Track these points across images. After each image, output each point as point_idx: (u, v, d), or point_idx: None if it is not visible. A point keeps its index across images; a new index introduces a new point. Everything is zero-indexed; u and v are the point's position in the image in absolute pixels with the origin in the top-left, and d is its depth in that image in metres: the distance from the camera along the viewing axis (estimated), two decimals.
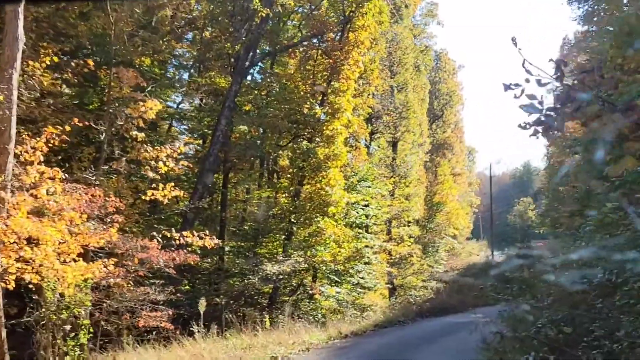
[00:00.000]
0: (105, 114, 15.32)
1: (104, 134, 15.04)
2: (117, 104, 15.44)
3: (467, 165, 66.14)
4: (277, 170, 26.10)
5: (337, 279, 24.21)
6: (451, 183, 48.44)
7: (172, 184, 14.76)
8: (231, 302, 18.94)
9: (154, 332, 13.60)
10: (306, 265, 20.70)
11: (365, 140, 28.85)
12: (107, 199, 13.08)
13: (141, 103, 14.44)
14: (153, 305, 13.77)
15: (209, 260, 23.08)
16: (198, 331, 13.82)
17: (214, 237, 23.06)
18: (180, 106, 24.97)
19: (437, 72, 49.80)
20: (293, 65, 24.32)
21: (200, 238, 14.45)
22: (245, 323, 16.61)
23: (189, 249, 14.93)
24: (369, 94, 26.81)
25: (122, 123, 14.80)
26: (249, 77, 23.64)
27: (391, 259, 30.58)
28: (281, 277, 19.49)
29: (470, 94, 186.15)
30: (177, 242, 14.12)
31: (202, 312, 14.84)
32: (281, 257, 19.92)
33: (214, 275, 21.29)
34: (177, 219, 21.36)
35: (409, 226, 34.29)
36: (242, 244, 22.99)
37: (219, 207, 23.55)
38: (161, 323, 13.25)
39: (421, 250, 36.65)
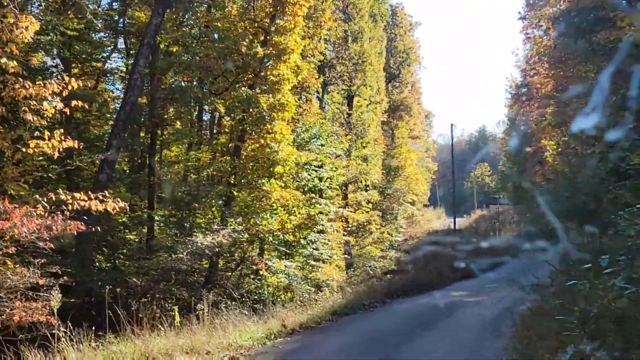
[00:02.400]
0: None
1: None
2: None
3: (425, 129, 63.49)
4: (218, 126, 22.62)
5: (287, 251, 20.96)
6: (409, 146, 45.66)
7: (62, 131, 11.08)
8: (153, 284, 15.32)
9: (30, 331, 9.85)
10: (248, 236, 17.27)
11: (318, 93, 25.36)
12: None
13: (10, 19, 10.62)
14: (33, 292, 10.12)
15: (136, 232, 19.85)
16: (69, 333, 9.71)
17: (140, 203, 20.17)
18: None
19: (393, 28, 46.72)
20: None
21: (101, 201, 10.87)
22: (165, 315, 12.17)
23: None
24: (320, 38, 23.33)
25: None
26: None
27: (348, 227, 27.41)
28: (217, 250, 15.96)
29: (426, 55, 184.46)
30: (70, 206, 10.54)
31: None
32: (216, 227, 16.41)
33: (140, 250, 17.78)
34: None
35: (367, 191, 31.14)
36: (177, 212, 19.47)
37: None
38: (41, 317, 9.59)
39: (380, 217, 33.61)
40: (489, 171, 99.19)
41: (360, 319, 15.83)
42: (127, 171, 20.85)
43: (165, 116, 20.71)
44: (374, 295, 18.56)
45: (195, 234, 15.51)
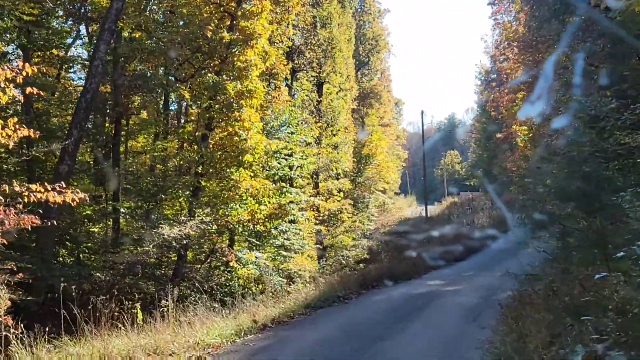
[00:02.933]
0: None
1: None
2: None
3: (395, 117, 63.30)
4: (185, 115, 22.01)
5: (258, 242, 20.47)
6: (380, 134, 45.27)
7: (15, 119, 10.43)
8: (119, 278, 14.73)
9: None
10: (217, 227, 16.73)
11: (287, 80, 24.77)
12: None
13: None
14: None
15: (101, 225, 19.18)
16: (23, 334, 9.00)
17: (105, 195, 19.48)
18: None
19: (362, 15, 46.37)
20: None
21: (59, 192, 10.26)
22: (128, 312, 11.31)
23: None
24: (288, 24, 22.76)
25: None
26: None
27: (320, 216, 26.97)
28: (185, 242, 15.41)
29: (395, 42, 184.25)
30: (26, 199, 9.93)
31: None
32: (183, 218, 15.84)
33: (104, 243, 17.16)
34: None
35: (338, 179, 30.71)
36: (143, 204, 18.85)
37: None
38: None
39: (352, 206, 33.23)
40: (459, 158, 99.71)
41: (335, 311, 14.99)
42: (92, 162, 20.14)
43: (130, 105, 20.06)
44: (349, 286, 17.64)
45: (161, 225, 14.90)
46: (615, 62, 13.09)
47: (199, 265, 18.43)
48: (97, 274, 14.47)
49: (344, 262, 27.01)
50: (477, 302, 13.83)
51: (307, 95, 27.29)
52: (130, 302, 11.13)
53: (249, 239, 19.84)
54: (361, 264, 25.52)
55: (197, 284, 16.62)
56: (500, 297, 13.14)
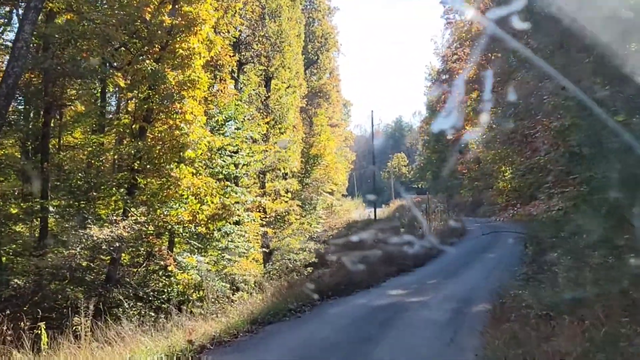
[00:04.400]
0: None
1: None
2: None
3: (343, 118, 62.47)
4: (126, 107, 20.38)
5: (200, 245, 19.09)
6: (329, 134, 44.38)
7: None
8: (43, 284, 13.12)
9: None
10: (153, 228, 15.28)
11: (233, 72, 23.37)
12: None
13: None
14: None
15: (29, 225, 17.42)
16: None
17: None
18: None
19: (311, 12, 45.34)
20: None
21: None
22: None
23: None
24: (235, 12, 21.44)
25: None
26: None
27: (266, 217, 25.67)
28: (118, 244, 13.91)
29: (344, 43, 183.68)
30: None
31: None
32: (115, 218, 14.32)
33: (26, 245, 15.46)
34: None
35: (285, 179, 29.48)
36: (74, 203, 17.19)
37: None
38: None
39: (300, 207, 32.06)
40: (405, 161, 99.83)
41: (287, 329, 12.67)
42: (19, 156, 18.39)
43: (62, 95, 18.39)
44: (301, 296, 15.18)
45: (88, 226, 13.35)
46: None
47: (135, 269, 16.94)
48: (15, 280, 12.82)
49: (291, 265, 25.87)
50: (450, 318, 12.03)
51: (254, 90, 25.96)
52: (35, 319, 9.22)
53: (190, 241, 18.46)
54: (309, 268, 24.39)
55: (131, 290, 15.18)
56: (474, 311, 12.08)
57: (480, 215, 42.21)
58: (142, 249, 17.05)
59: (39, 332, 8.02)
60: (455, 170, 46.77)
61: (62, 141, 20.00)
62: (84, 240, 13.04)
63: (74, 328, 8.67)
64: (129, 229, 13.54)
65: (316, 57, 45.74)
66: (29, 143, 18.54)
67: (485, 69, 28.16)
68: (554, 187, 11.71)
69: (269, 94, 27.56)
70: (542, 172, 13.32)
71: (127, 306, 14.81)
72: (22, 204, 16.79)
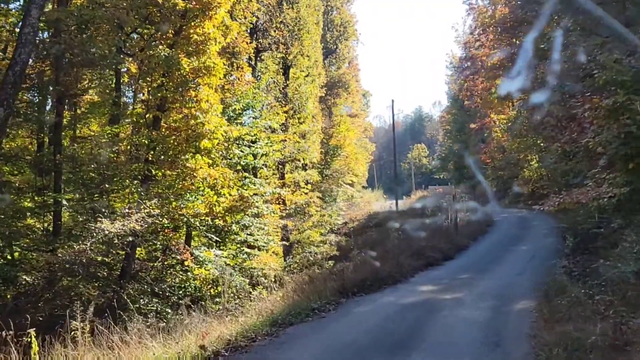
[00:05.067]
0: None
1: None
2: None
3: (362, 108, 61.57)
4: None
5: (218, 239, 18.44)
6: (348, 125, 43.61)
7: None
8: (54, 281, 12.52)
9: None
10: (168, 221, 14.61)
11: (250, 60, 22.62)
12: None
13: None
14: None
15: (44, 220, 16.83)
16: None
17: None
18: None
19: (330, 0, 44.39)
20: None
21: None
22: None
23: None
24: None
25: None
26: None
27: (286, 209, 24.99)
28: (131, 239, 13.26)
29: (363, 32, 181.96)
30: None
31: None
32: (127, 211, 13.65)
33: (37, 241, 14.91)
34: None
35: (305, 170, 28.75)
36: (89, 196, 16.57)
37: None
38: None
39: (320, 199, 31.36)
40: (426, 152, 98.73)
41: (309, 331, 11.17)
42: (33, 149, 17.87)
43: (75, 84, 17.82)
44: (325, 294, 13.79)
45: (99, 219, 12.69)
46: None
47: (153, 264, 16.34)
48: (25, 277, 12.22)
49: (311, 258, 25.21)
50: (490, 317, 10.97)
51: (272, 79, 25.21)
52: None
53: (207, 234, 17.81)
54: (330, 261, 23.69)
55: (146, 286, 14.55)
56: (516, 309, 11.02)
57: (506, 205, 41.20)
58: (158, 243, 16.46)
59: (37, 335, 7.15)
60: (478, 160, 45.76)
61: (77, 133, 19.48)
62: (95, 235, 12.35)
63: (72, 333, 7.76)
64: (142, 222, 12.85)
65: (335, 47, 44.88)
66: (42, 135, 18.05)
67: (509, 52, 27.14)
68: (604, 173, 10.79)
69: (288, 82, 26.81)
70: (589, 156, 12.38)
71: (142, 303, 14.27)
72: (36, 198, 16.28)
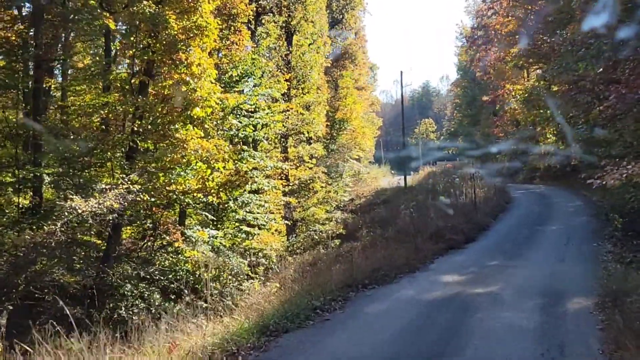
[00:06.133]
0: None
1: None
2: None
3: (369, 82, 59.73)
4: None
5: (214, 217, 16.97)
6: (355, 97, 41.81)
7: None
8: (24, 265, 10.99)
9: None
10: (152, 198, 13.05)
11: (249, 23, 20.82)
12: None
13: None
14: None
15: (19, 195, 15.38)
16: None
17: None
18: None
19: None
20: None
21: None
22: None
23: None
24: None
25: None
26: None
27: (289, 185, 23.45)
28: (112, 218, 11.73)
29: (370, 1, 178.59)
30: None
31: None
32: (104, 186, 12.10)
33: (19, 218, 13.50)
34: None
35: (310, 144, 27.12)
36: (70, 170, 15.02)
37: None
38: None
39: (325, 175, 29.79)
40: (434, 127, 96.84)
41: (308, 343, 8.58)
42: (14, 119, 16.38)
43: (57, 49, 16.32)
44: (329, 287, 11.44)
45: (70, 196, 11.12)
46: None
47: (139, 245, 14.88)
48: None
49: (316, 237, 23.77)
50: (541, 322, 8.72)
51: (273, 44, 23.46)
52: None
53: (202, 213, 16.32)
54: (336, 240, 22.21)
55: (130, 270, 13.07)
56: (571, 311, 9.06)
57: (520, 181, 39.52)
58: (149, 222, 15.01)
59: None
60: (489, 133, 44.02)
61: (66, 103, 17.96)
62: (68, 214, 10.81)
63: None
64: (121, 199, 11.28)
65: (341, 16, 42.92)
66: (25, 105, 16.55)
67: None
68: None
69: (291, 49, 25.07)
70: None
71: (127, 289, 12.84)
72: (16, 172, 14.81)
